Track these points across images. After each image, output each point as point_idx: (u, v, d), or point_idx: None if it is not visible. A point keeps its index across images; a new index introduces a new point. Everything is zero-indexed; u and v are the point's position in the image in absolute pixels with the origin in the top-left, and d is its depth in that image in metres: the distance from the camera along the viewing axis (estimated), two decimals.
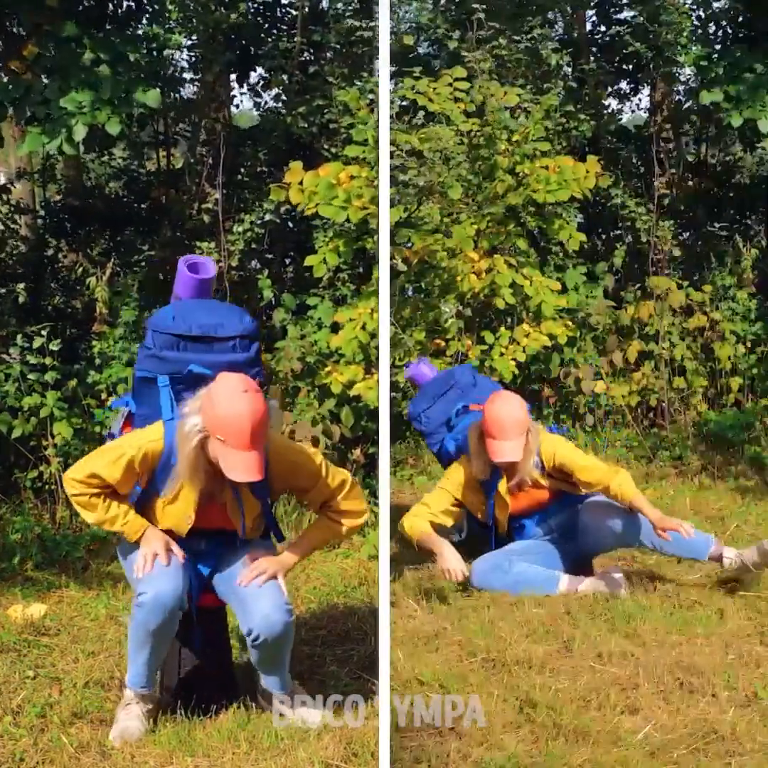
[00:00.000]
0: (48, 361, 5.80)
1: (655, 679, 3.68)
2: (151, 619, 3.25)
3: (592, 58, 9.89)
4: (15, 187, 9.80)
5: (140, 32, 6.92)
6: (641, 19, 9.03)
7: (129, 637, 3.39)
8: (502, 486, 4.70)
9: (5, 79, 6.25)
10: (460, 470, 4.81)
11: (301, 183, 6.55)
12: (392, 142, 6.70)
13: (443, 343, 7.11)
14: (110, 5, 7.03)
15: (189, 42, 9.27)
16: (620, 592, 4.54)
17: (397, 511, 6.03)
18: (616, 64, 10.24)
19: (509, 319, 7.40)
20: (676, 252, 8.24)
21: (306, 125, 8.79)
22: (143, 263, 9.50)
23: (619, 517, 4.66)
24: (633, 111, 12.13)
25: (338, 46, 9.07)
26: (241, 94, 11.46)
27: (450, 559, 4.54)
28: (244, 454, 3.13)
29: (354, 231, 6.77)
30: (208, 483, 3.30)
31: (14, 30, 6.68)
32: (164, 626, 3.28)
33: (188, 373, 3.32)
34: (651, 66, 9.35)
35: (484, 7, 7.70)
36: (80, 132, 5.88)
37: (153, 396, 3.38)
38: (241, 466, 3.14)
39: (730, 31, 8.67)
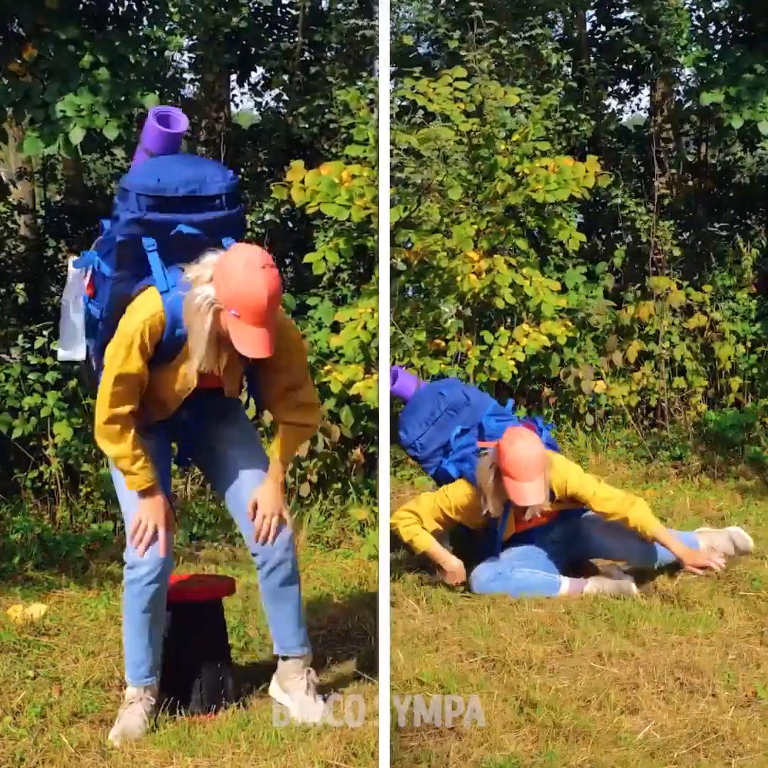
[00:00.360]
0: (48, 361, 5.80)
1: (655, 679, 3.68)
2: (147, 590, 3.29)
3: (592, 58, 9.89)
4: (16, 187, 9.80)
5: (141, 34, 6.92)
6: (641, 19, 9.03)
7: (126, 624, 3.40)
8: (510, 517, 4.65)
9: (5, 82, 6.24)
10: (464, 494, 4.66)
11: (302, 181, 6.55)
12: (392, 142, 6.70)
13: (443, 343, 7.11)
14: (111, 5, 7.03)
15: (189, 43, 9.27)
16: (631, 591, 4.54)
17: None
18: (616, 64, 10.25)
19: (509, 319, 7.41)
20: (676, 252, 8.24)
21: (307, 125, 8.80)
22: None
23: (624, 533, 4.60)
24: (633, 111, 12.14)
25: (339, 46, 9.07)
26: (242, 93, 11.44)
27: (456, 570, 4.63)
28: (257, 330, 3.06)
29: (354, 230, 6.77)
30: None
31: (14, 32, 6.68)
32: (158, 595, 3.33)
33: (177, 234, 3.20)
34: (651, 66, 9.36)
35: (483, 6, 7.70)
36: (77, 136, 5.88)
37: (135, 259, 3.23)
38: (254, 342, 3.06)
39: (730, 31, 8.67)
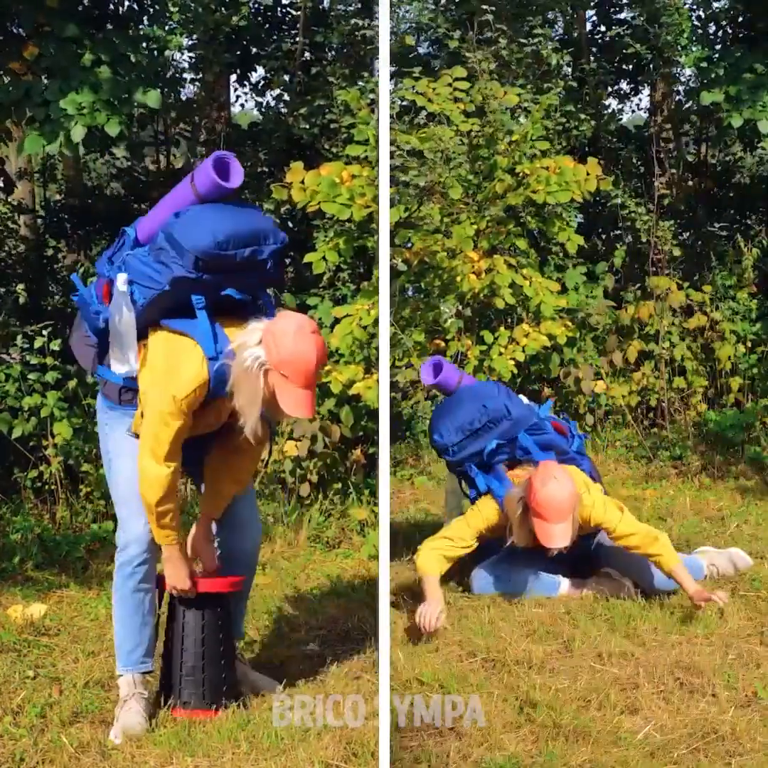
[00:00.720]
0: (49, 361, 5.80)
1: (655, 679, 3.68)
2: (138, 571, 3.38)
3: (592, 58, 9.89)
4: (17, 187, 9.80)
5: (141, 33, 6.92)
6: (641, 19, 9.03)
7: (116, 609, 3.44)
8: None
9: (6, 80, 6.25)
10: (493, 515, 4.57)
11: (302, 182, 6.55)
12: (392, 142, 6.70)
13: (443, 344, 7.11)
14: (111, 5, 7.03)
15: (189, 42, 9.27)
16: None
17: (398, 511, 6.05)
18: (616, 64, 10.24)
19: (509, 319, 7.41)
20: (676, 252, 8.24)
21: (307, 126, 8.80)
22: None
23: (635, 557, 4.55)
24: (633, 111, 12.14)
25: (340, 47, 9.07)
26: (245, 93, 11.44)
27: (432, 608, 4.18)
28: (303, 391, 3.18)
29: (355, 230, 6.77)
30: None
31: (14, 31, 6.69)
32: (148, 576, 3.42)
33: (224, 298, 3.28)
34: (651, 66, 9.36)
35: (485, 7, 7.71)
36: (79, 133, 5.88)
37: (176, 304, 3.26)
38: (299, 403, 3.18)
39: (730, 31, 8.67)
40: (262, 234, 3.32)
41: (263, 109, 10.02)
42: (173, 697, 3.48)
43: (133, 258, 3.34)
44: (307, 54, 9.58)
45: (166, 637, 3.56)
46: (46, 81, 6.08)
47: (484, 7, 7.65)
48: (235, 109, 11.17)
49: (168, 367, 3.25)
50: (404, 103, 7.22)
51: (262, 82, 10.29)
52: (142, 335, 3.35)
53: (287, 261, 9.73)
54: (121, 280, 3.30)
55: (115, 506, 3.49)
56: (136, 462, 3.30)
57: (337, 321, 6.73)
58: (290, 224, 9.44)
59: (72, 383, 6.03)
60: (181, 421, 3.22)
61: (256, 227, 3.32)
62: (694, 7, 8.81)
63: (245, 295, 3.33)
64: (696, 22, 8.82)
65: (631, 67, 10.28)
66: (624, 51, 9.50)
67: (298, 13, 9.48)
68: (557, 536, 4.29)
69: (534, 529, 4.34)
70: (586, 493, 4.49)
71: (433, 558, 4.48)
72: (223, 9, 8.67)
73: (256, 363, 3.16)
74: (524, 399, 5.08)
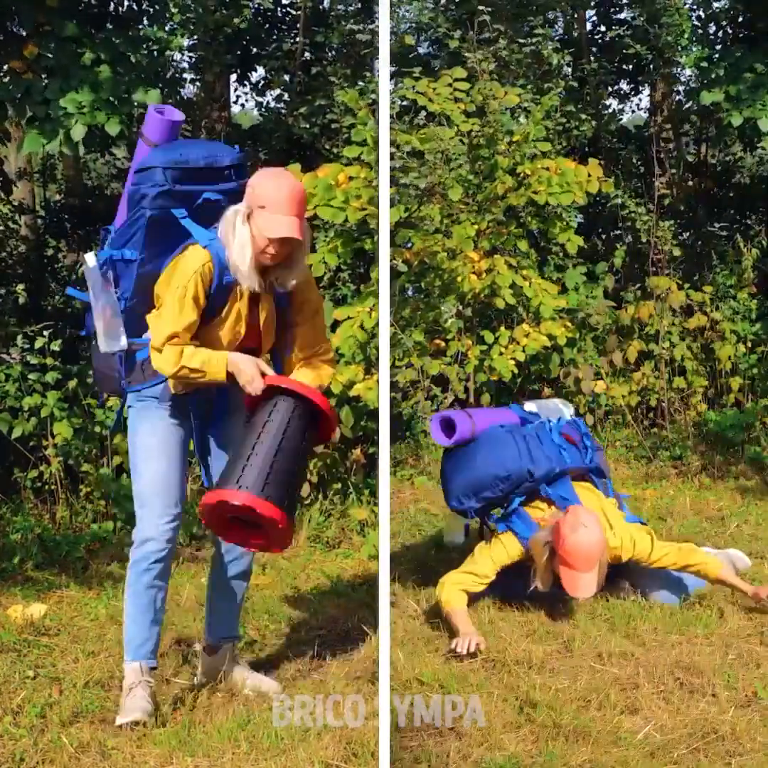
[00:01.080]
0: (49, 361, 5.80)
1: (655, 679, 3.68)
2: (153, 568, 3.45)
3: (592, 59, 9.89)
4: (16, 186, 9.81)
5: (141, 34, 6.92)
6: (641, 19, 9.03)
7: (128, 604, 3.49)
8: None
9: (6, 80, 6.25)
10: (516, 554, 4.39)
11: None
12: (393, 143, 6.70)
13: (443, 344, 7.11)
14: (111, 4, 7.03)
15: (189, 43, 9.27)
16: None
17: (398, 511, 6.05)
18: (616, 65, 10.24)
19: (509, 320, 7.41)
20: (676, 252, 8.24)
21: (308, 126, 8.79)
22: None
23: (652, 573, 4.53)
24: (633, 111, 12.14)
25: (340, 47, 9.07)
26: (245, 93, 11.46)
27: (469, 638, 3.98)
28: (285, 217, 3.29)
29: (354, 231, 6.77)
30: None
31: (15, 30, 6.69)
32: (162, 574, 3.48)
33: (205, 201, 3.43)
34: (651, 66, 9.35)
35: (485, 7, 7.71)
36: (79, 132, 5.89)
37: (163, 236, 3.42)
38: (283, 224, 3.28)
39: (730, 31, 8.67)
40: (218, 147, 3.57)
41: (263, 110, 10.03)
42: (231, 482, 3.29)
43: (110, 239, 3.57)
44: (307, 54, 9.57)
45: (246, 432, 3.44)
46: (46, 80, 6.08)
47: (482, 6, 7.65)
48: (236, 108, 11.17)
49: (175, 266, 3.41)
50: (404, 103, 7.23)
51: (262, 82, 10.29)
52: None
53: None
54: (89, 258, 3.48)
55: (134, 501, 3.55)
56: (158, 463, 3.45)
57: (337, 323, 6.74)
58: None
59: (72, 383, 6.03)
60: (187, 314, 3.33)
61: (209, 143, 3.68)
62: (694, 7, 8.82)
63: (222, 196, 3.46)
64: (696, 22, 8.82)
65: (631, 67, 10.28)
66: (624, 51, 9.50)
67: (298, 13, 9.48)
68: (585, 586, 4.16)
69: (560, 576, 4.21)
70: (612, 535, 4.35)
71: (456, 592, 4.29)
72: (223, 10, 8.67)
73: (237, 214, 3.34)
74: (534, 407, 4.90)
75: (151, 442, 3.48)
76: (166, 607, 3.63)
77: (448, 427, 4.63)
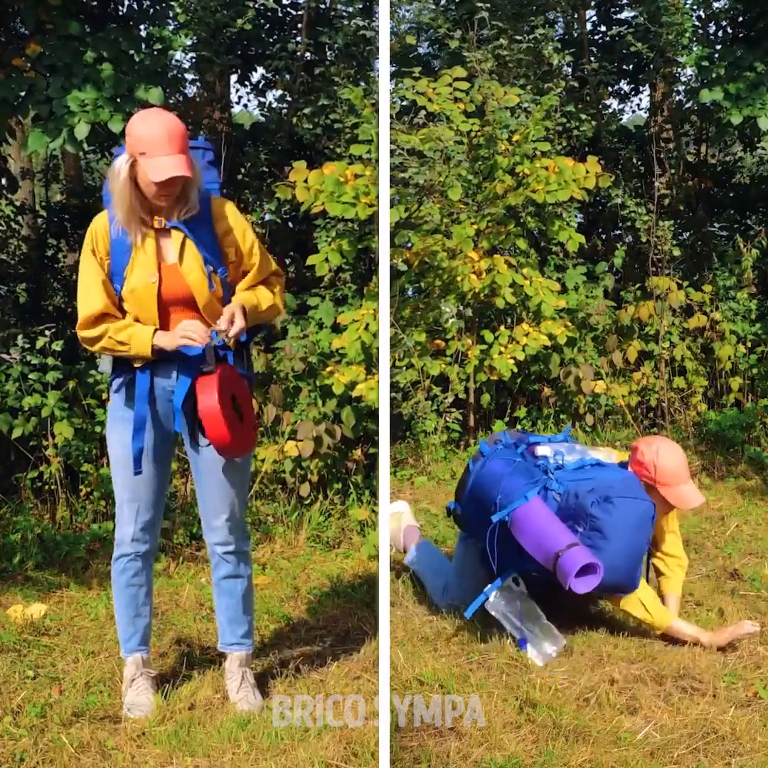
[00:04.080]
0: (50, 361, 5.80)
1: (656, 680, 3.69)
2: (130, 567, 3.53)
3: (592, 59, 9.88)
4: (20, 187, 9.81)
5: (143, 34, 6.92)
6: (642, 19, 9.02)
7: (114, 600, 3.59)
8: None
9: (9, 78, 6.25)
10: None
11: (305, 181, 6.56)
12: (393, 142, 6.71)
13: (443, 344, 7.12)
14: (112, 3, 7.03)
15: (191, 42, 9.26)
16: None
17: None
18: (616, 65, 10.23)
19: (509, 319, 7.41)
20: (676, 252, 8.24)
21: (310, 126, 8.79)
22: None
23: None
24: (633, 111, 12.12)
25: (343, 47, 9.06)
26: (247, 93, 11.45)
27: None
28: (167, 158, 3.24)
29: (357, 231, 6.78)
30: (147, 222, 3.37)
31: (16, 29, 6.69)
32: (139, 571, 3.55)
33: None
34: (651, 66, 9.35)
35: (486, 6, 7.70)
36: (83, 130, 5.89)
37: None
38: (164, 166, 3.23)
39: (730, 30, 8.67)
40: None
41: (265, 110, 10.02)
42: None
43: None
44: (308, 54, 9.56)
45: None
46: (48, 78, 6.09)
47: (480, 4, 7.64)
48: (237, 108, 11.18)
49: None
50: (404, 102, 7.23)
51: (264, 82, 10.28)
52: None
53: (288, 261, 9.74)
54: None
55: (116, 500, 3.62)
56: (124, 471, 3.48)
57: (337, 325, 6.75)
58: (291, 224, 9.44)
59: (72, 383, 6.03)
60: (92, 261, 3.41)
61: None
62: (695, 6, 8.80)
63: None
64: (696, 22, 8.82)
65: (631, 67, 10.28)
66: (625, 51, 9.49)
67: (300, 13, 9.47)
68: (694, 495, 4.15)
69: (670, 501, 4.15)
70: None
71: (659, 608, 4.10)
72: (225, 10, 8.66)
73: (120, 162, 3.31)
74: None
75: (115, 450, 3.51)
76: (160, 606, 3.66)
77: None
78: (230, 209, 3.49)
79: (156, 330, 3.37)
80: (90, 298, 3.42)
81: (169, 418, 3.50)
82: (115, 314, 3.42)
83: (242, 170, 9.47)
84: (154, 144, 3.23)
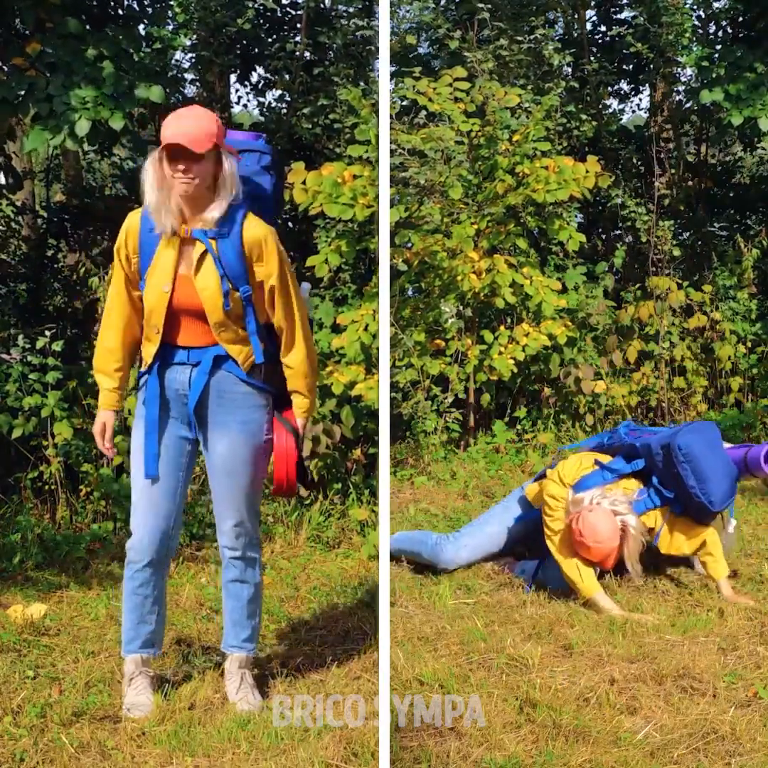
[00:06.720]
0: (50, 361, 5.80)
1: (655, 679, 3.68)
2: (137, 576, 3.49)
3: (592, 59, 9.88)
4: (21, 187, 9.80)
5: (143, 33, 6.92)
6: (642, 19, 9.02)
7: (122, 600, 3.55)
8: None
9: (9, 77, 6.26)
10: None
11: (303, 182, 6.56)
12: (393, 142, 6.71)
13: (443, 343, 7.11)
14: (112, 3, 7.04)
15: (190, 42, 9.26)
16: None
17: (398, 511, 6.04)
18: (616, 65, 10.23)
19: (509, 319, 7.41)
20: (676, 252, 8.24)
21: (309, 126, 8.80)
22: None
23: None
24: (633, 111, 12.11)
25: (343, 47, 9.06)
26: (247, 93, 11.45)
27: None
28: (178, 128, 3.21)
29: (357, 231, 6.78)
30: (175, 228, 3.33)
31: (17, 27, 6.70)
32: (147, 580, 3.50)
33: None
34: (651, 66, 9.35)
35: (487, 6, 7.70)
36: (83, 127, 5.89)
37: None
38: (167, 136, 3.21)
39: (730, 31, 8.68)
40: None
41: (264, 110, 10.02)
42: None
43: None
44: (308, 54, 9.56)
45: None
46: (49, 77, 6.09)
47: (481, 5, 7.65)
48: (236, 108, 11.16)
49: None
50: (404, 103, 7.23)
51: (263, 82, 10.28)
52: None
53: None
54: None
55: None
56: (136, 472, 3.49)
57: (336, 323, 6.75)
58: (290, 224, 9.44)
59: (72, 383, 6.03)
60: (118, 273, 3.43)
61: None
62: (695, 6, 8.81)
63: None
64: (696, 22, 8.82)
65: (631, 67, 10.28)
66: (625, 51, 9.49)
67: (300, 13, 9.47)
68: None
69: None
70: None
71: (590, 578, 4.58)
72: (224, 10, 8.66)
73: (150, 159, 3.31)
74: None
75: (133, 453, 3.52)
76: (166, 609, 3.65)
77: None
78: (266, 239, 3.44)
79: (114, 393, 3.50)
80: (105, 328, 3.50)
81: (183, 422, 3.47)
82: (126, 349, 3.49)
83: None
84: (165, 126, 3.24)
